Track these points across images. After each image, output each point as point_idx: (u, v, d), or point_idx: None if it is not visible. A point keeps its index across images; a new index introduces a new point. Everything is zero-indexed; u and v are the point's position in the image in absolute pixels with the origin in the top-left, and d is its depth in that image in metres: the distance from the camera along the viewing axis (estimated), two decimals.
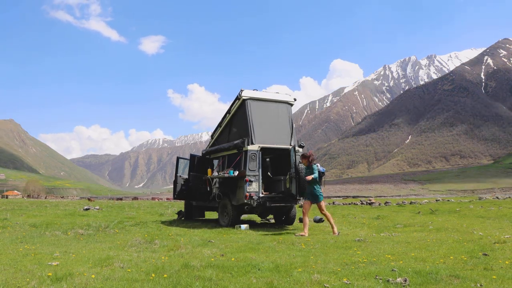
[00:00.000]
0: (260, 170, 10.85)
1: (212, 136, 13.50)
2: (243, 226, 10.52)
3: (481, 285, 4.30)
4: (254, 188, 10.61)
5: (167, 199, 68.06)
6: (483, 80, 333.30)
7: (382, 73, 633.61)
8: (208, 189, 12.57)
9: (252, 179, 10.60)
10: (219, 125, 12.77)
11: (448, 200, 28.34)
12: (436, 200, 29.05)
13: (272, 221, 13.05)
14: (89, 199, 56.86)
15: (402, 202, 26.12)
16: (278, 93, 12.00)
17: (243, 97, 11.11)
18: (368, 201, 26.09)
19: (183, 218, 14.00)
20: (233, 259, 5.88)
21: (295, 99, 11.96)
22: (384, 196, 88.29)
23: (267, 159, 12.56)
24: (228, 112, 12.05)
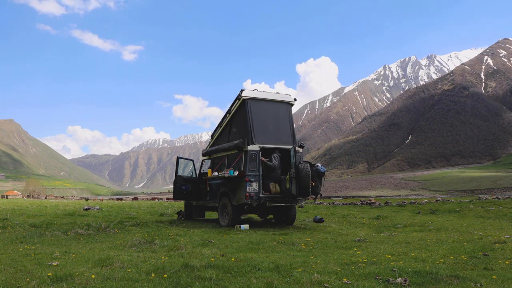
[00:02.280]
0: (260, 170, 10.84)
1: (212, 136, 13.50)
2: (243, 226, 10.52)
3: (481, 285, 4.30)
4: (254, 188, 10.60)
5: (167, 199, 68.05)
6: (483, 80, 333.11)
7: (382, 73, 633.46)
8: (208, 189, 12.60)
9: (252, 179, 10.60)
10: (219, 125, 12.76)
11: (448, 200, 28.32)
12: (436, 200, 29.02)
13: (273, 221, 13.05)
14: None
15: (402, 202, 26.12)
16: (278, 93, 11.98)
17: (243, 97, 11.10)
18: (368, 201, 26.09)
19: (183, 218, 14.00)
20: (233, 259, 5.88)
21: (295, 99, 11.95)
22: (384, 196, 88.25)
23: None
24: (228, 112, 12.04)
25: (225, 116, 12.35)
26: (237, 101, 11.40)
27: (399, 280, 4.45)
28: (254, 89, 11.51)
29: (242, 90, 11.22)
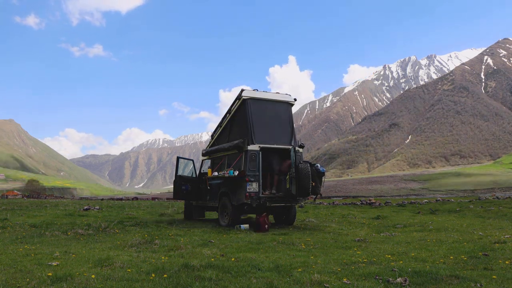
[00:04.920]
0: (260, 170, 10.84)
1: (212, 136, 13.50)
2: (243, 226, 10.52)
3: (481, 285, 4.30)
4: (254, 188, 10.60)
5: (167, 199, 68.03)
6: (483, 80, 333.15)
7: (382, 73, 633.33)
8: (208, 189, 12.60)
9: (252, 179, 10.60)
10: (219, 125, 12.75)
11: (448, 200, 28.32)
12: (436, 200, 29.02)
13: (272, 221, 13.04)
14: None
15: (402, 202, 26.10)
16: (278, 93, 11.98)
17: (243, 97, 11.09)
18: (368, 201, 26.09)
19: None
20: (233, 259, 5.88)
21: (295, 99, 11.93)
22: (384, 196, 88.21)
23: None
24: (229, 112, 12.03)
25: (225, 116, 12.34)
26: (237, 101, 11.39)
27: (399, 280, 4.45)
28: (254, 89, 11.52)
29: (242, 90, 11.21)
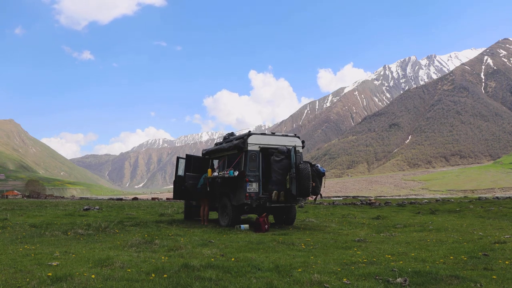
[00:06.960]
0: (261, 170, 10.84)
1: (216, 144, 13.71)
2: (243, 226, 10.53)
3: (481, 285, 4.30)
4: (254, 188, 10.61)
5: (167, 199, 68.02)
6: (483, 80, 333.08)
7: (382, 73, 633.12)
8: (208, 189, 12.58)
9: (252, 179, 10.60)
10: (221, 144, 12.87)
11: (448, 200, 28.33)
12: (436, 200, 29.04)
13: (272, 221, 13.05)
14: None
15: (402, 202, 26.12)
16: (287, 135, 11.65)
17: (249, 144, 10.86)
18: (368, 201, 26.11)
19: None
20: (233, 259, 5.88)
21: (303, 142, 11.79)
22: (384, 196, 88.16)
23: None
24: (230, 141, 11.94)
25: (228, 141, 12.27)
26: (242, 141, 11.11)
27: (399, 280, 4.45)
28: (261, 132, 11.37)
29: (249, 133, 10.99)
